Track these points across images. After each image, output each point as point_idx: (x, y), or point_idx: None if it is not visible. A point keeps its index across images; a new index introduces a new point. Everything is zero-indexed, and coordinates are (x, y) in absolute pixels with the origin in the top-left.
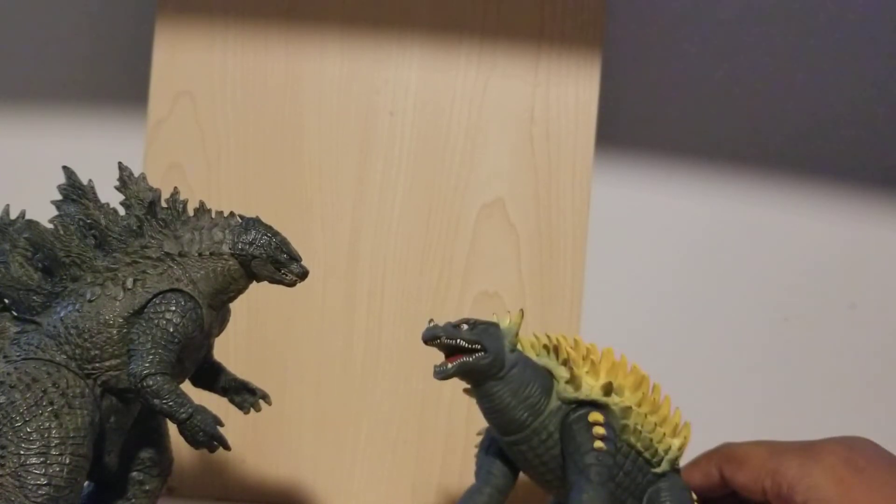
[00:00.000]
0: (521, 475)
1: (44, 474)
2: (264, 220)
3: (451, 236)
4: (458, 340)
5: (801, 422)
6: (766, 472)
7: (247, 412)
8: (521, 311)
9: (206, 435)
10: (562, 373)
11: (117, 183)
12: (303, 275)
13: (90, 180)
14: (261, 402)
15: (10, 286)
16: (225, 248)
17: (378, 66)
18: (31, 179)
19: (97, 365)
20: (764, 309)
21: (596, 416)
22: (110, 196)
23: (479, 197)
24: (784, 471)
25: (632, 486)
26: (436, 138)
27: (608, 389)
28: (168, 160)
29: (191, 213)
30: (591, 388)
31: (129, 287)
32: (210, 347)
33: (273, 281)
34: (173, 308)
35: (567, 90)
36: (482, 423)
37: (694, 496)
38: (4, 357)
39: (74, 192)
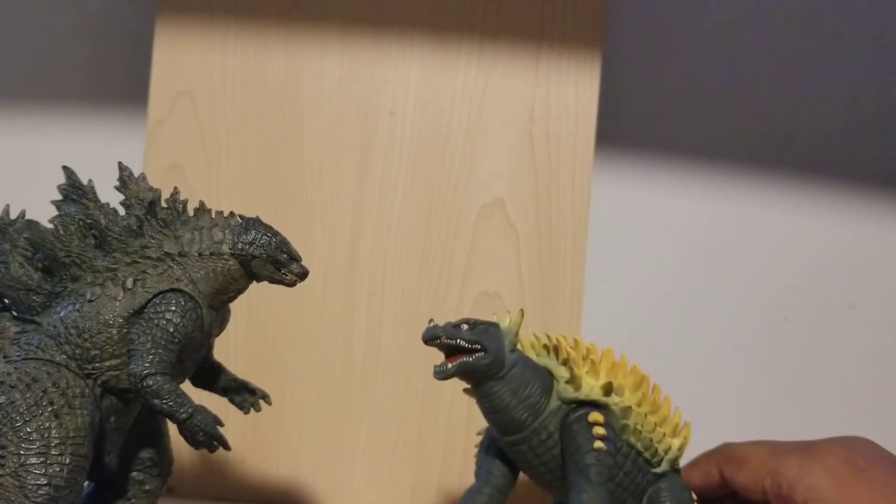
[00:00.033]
0: (521, 475)
1: (44, 474)
2: (264, 220)
3: (451, 236)
4: (458, 340)
5: (801, 422)
6: (766, 472)
7: (247, 412)
8: (521, 311)
9: (206, 435)
10: (562, 373)
11: (117, 183)
12: (303, 275)
13: (90, 180)
14: (261, 402)
15: (10, 286)
16: (225, 248)
17: (378, 66)
18: (31, 179)
19: (97, 365)
20: (764, 309)
21: (596, 416)
22: (110, 196)
23: (479, 197)
24: (784, 471)
25: (632, 486)
26: (436, 138)
27: (608, 389)
28: (168, 160)
29: (191, 213)
30: (591, 388)
31: (129, 287)
32: (210, 347)
33: (273, 281)
34: (173, 308)
35: (567, 90)
36: (482, 423)
37: (694, 496)
38: (4, 357)
39: (74, 192)
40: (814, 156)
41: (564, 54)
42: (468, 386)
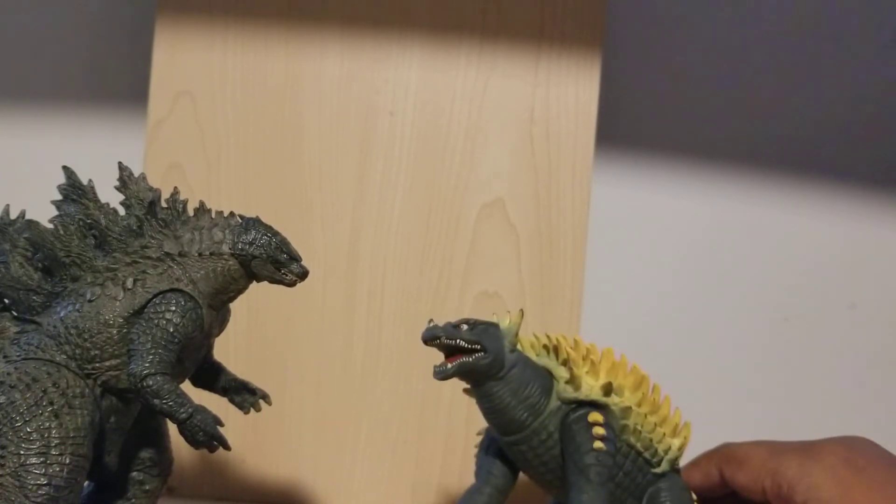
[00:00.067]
0: (521, 475)
1: (44, 474)
2: (264, 220)
3: (451, 236)
4: (458, 341)
5: (801, 422)
6: (766, 472)
7: (247, 412)
8: (521, 311)
9: (206, 435)
10: (562, 373)
11: (117, 183)
12: (303, 275)
13: (90, 180)
14: (261, 402)
15: (10, 286)
16: (225, 248)
17: (378, 66)
18: (31, 179)
19: (97, 365)
20: (764, 309)
21: (596, 416)
22: (110, 196)
23: (479, 197)
24: (784, 471)
25: (632, 486)
26: (436, 138)
27: (608, 389)
28: (168, 160)
29: (191, 213)
30: (590, 388)
31: (129, 287)
32: (210, 347)
33: (273, 281)
34: (173, 308)
35: (567, 90)
36: (482, 423)
37: (694, 496)
38: (4, 357)
39: (74, 192)
40: (814, 156)
41: (564, 54)
42: (468, 386)
